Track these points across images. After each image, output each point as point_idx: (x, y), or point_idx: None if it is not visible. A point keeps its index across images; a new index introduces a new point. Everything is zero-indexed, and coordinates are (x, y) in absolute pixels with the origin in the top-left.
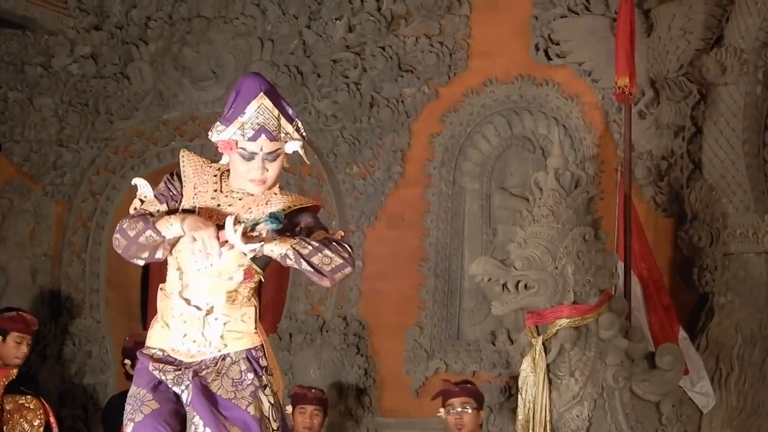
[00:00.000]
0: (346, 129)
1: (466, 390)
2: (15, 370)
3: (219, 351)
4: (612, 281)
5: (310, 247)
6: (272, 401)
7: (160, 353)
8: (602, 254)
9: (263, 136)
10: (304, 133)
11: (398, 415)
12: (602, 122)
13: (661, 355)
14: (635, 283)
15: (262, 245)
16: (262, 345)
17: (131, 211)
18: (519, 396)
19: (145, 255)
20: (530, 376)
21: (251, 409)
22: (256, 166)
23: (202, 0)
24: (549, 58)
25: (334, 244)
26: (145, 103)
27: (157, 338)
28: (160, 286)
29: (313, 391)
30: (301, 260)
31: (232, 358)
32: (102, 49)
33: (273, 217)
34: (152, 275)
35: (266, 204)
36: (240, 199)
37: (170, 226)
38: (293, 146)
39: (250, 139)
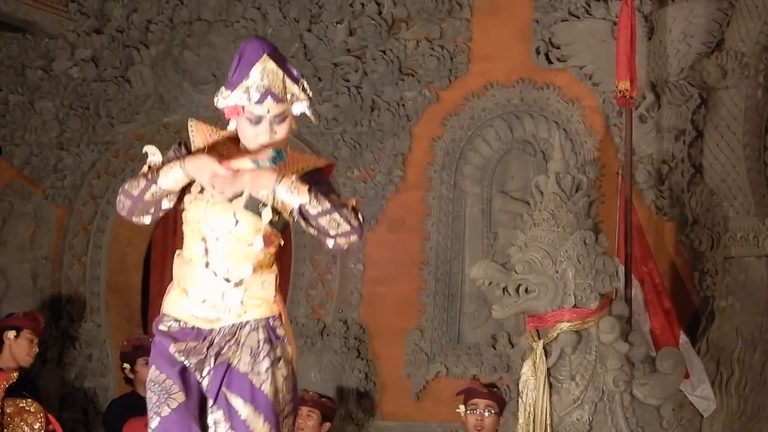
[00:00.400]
0: (347, 132)
1: (493, 393)
2: (15, 374)
3: (238, 317)
4: (613, 285)
5: (320, 208)
6: (285, 374)
7: (177, 326)
8: (603, 258)
9: (269, 98)
10: (310, 94)
11: (399, 419)
12: (603, 126)
13: (662, 359)
14: (636, 287)
15: (277, 182)
16: (280, 314)
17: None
18: (519, 400)
19: (152, 210)
20: (531, 379)
21: (265, 387)
22: (264, 129)
23: (203, 3)
24: (550, 62)
25: (345, 209)
26: (146, 106)
27: (175, 305)
28: (177, 252)
29: (311, 393)
30: (305, 220)
31: (251, 325)
32: (103, 53)
33: (277, 155)
34: (153, 279)
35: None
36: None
37: (170, 173)
38: (300, 107)
39: (256, 103)
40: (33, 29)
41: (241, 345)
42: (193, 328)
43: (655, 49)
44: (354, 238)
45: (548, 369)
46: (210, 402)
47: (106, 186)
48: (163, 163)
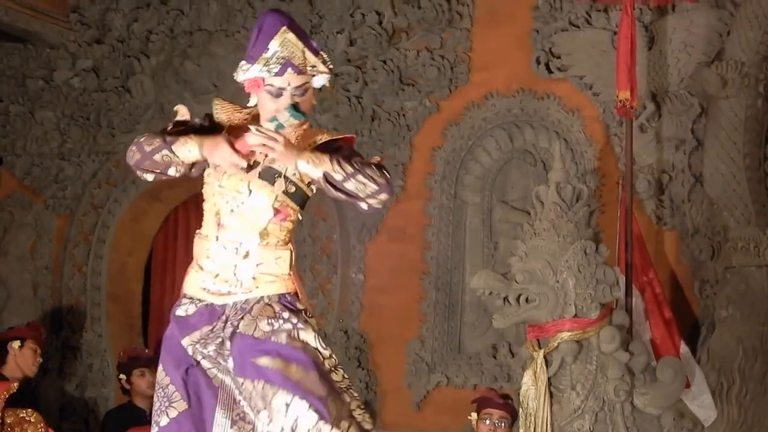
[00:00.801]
0: None
1: (508, 405)
2: (16, 384)
3: (250, 292)
4: (613, 295)
5: (344, 173)
6: (314, 335)
7: (193, 308)
8: (603, 268)
9: (290, 69)
10: (331, 66)
11: (400, 429)
12: (603, 136)
13: (663, 368)
14: (636, 297)
15: (298, 156)
16: (296, 293)
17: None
18: (520, 409)
19: (157, 171)
20: (531, 389)
21: (292, 342)
22: (285, 102)
23: (204, 14)
24: (550, 72)
25: (370, 168)
26: (147, 116)
27: (191, 283)
28: (197, 231)
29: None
30: (331, 187)
31: (264, 300)
32: (103, 63)
33: (294, 109)
34: (153, 288)
35: (299, 139)
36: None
37: (186, 146)
38: (321, 80)
39: (276, 74)
40: (34, 39)
41: (256, 317)
42: (207, 306)
43: (655, 59)
44: (384, 196)
45: (549, 378)
46: (239, 381)
47: (107, 196)
48: (188, 128)
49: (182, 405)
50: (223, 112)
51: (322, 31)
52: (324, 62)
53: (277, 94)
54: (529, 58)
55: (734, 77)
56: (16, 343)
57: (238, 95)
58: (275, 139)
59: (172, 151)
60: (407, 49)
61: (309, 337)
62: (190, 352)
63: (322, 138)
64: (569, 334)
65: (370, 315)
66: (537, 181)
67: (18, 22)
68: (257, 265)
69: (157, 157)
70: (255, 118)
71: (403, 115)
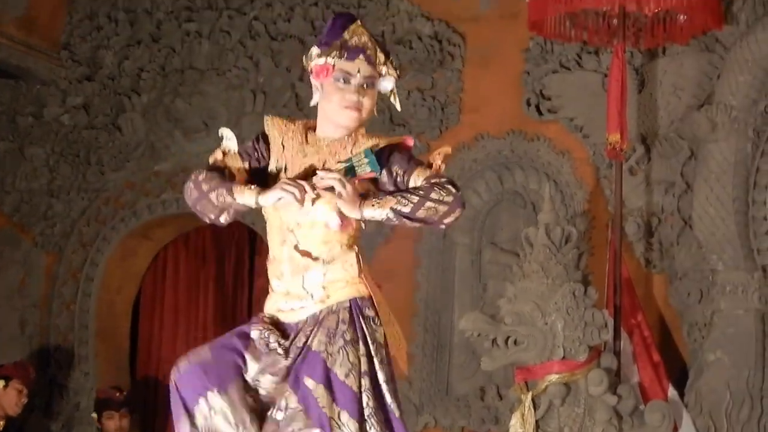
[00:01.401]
0: None
1: None
2: (2, 422)
3: (323, 303)
4: (602, 338)
5: (412, 204)
6: (364, 351)
7: (265, 333)
8: (592, 311)
9: (361, 56)
10: (398, 72)
11: None
12: (593, 178)
13: (651, 411)
14: (625, 340)
15: (360, 207)
16: (370, 295)
17: (210, 161)
18: None
19: (211, 216)
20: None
21: (337, 367)
22: (353, 89)
23: (195, 52)
24: (540, 114)
25: (435, 189)
26: (137, 154)
27: (267, 306)
28: (268, 258)
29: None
30: (405, 219)
31: (333, 308)
32: (94, 100)
33: (368, 156)
34: (142, 325)
35: (354, 145)
36: (327, 146)
37: (244, 196)
38: (388, 83)
39: (347, 59)
40: (25, 76)
41: (320, 326)
42: (282, 326)
43: (645, 102)
44: (458, 212)
45: (537, 421)
46: (284, 387)
47: (96, 233)
48: (239, 152)
49: (208, 355)
50: (274, 127)
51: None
52: (393, 66)
53: (346, 79)
54: (520, 99)
55: (724, 121)
56: (0, 383)
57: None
58: (344, 185)
59: (230, 192)
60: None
61: (353, 358)
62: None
63: (379, 144)
64: (557, 376)
65: None
66: (527, 222)
67: (9, 58)
68: (324, 274)
69: (213, 196)
70: (309, 128)
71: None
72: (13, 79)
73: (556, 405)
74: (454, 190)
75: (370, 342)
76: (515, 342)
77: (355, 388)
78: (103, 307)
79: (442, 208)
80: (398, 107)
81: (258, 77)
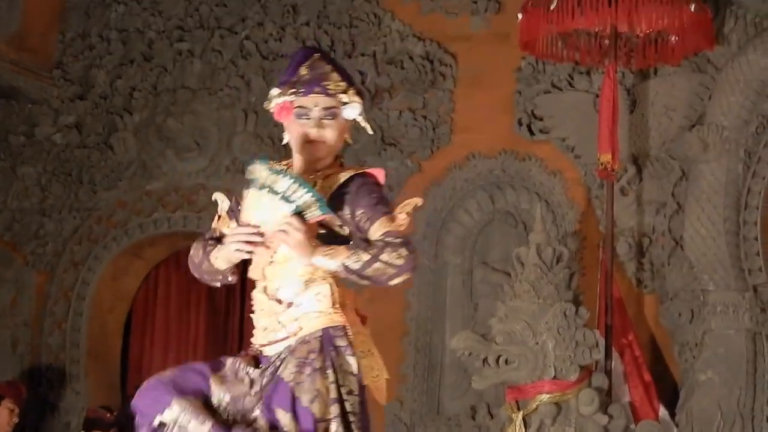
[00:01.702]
0: None
1: None
2: None
3: (296, 334)
4: (593, 357)
5: (362, 262)
6: (333, 379)
7: (243, 358)
8: (583, 330)
9: (317, 89)
10: (362, 98)
11: None
12: (584, 198)
13: (642, 431)
14: (616, 359)
15: (312, 255)
16: (344, 326)
17: (212, 228)
18: None
19: (216, 282)
20: None
21: (303, 395)
22: (312, 123)
23: (187, 71)
24: (532, 134)
25: (388, 251)
26: (129, 173)
27: (253, 340)
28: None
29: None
30: (354, 275)
31: (305, 338)
32: (86, 119)
33: (319, 200)
34: (133, 344)
35: (325, 179)
36: None
37: (218, 259)
38: (351, 111)
39: (303, 94)
40: (17, 95)
41: (291, 356)
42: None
43: (637, 122)
44: (405, 276)
45: None
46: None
47: (88, 253)
48: (227, 212)
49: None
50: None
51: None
52: (355, 91)
53: (305, 114)
54: (512, 119)
55: (715, 141)
56: None
57: (220, 153)
58: (296, 229)
59: (209, 262)
60: (390, 109)
61: (320, 386)
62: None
63: (345, 176)
64: (548, 396)
65: None
66: (518, 242)
67: (2, 78)
68: (297, 307)
69: (204, 266)
70: (289, 167)
71: (385, 175)
72: (4, 99)
73: (546, 424)
74: (406, 253)
75: (338, 371)
76: (506, 361)
77: (318, 414)
78: (95, 326)
79: (390, 271)
80: (369, 131)
81: (249, 96)
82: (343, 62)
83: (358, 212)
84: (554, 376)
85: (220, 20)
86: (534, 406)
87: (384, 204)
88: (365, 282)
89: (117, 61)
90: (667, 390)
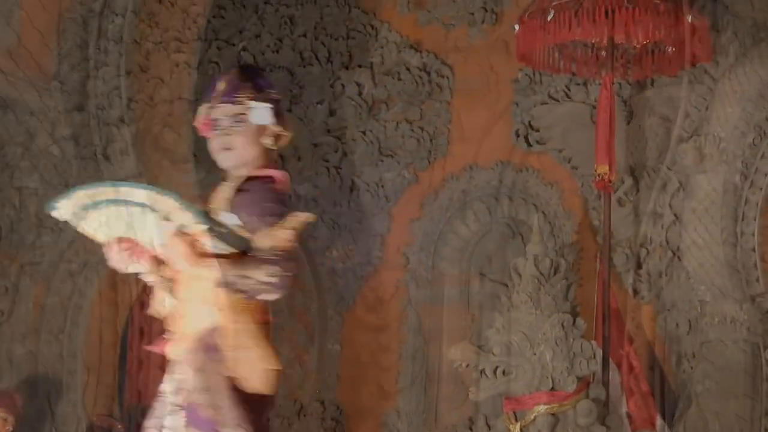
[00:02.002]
0: (326, 213)
1: None
2: None
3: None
4: (590, 369)
5: (236, 276)
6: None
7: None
8: (581, 341)
9: (224, 99)
10: (269, 97)
11: None
12: (582, 209)
13: None
14: (613, 370)
15: (196, 265)
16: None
17: None
18: None
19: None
20: None
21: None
22: (221, 132)
23: (184, 82)
24: (529, 145)
25: (263, 268)
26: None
27: None
28: None
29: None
30: (229, 288)
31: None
32: (83, 130)
33: (197, 215)
34: (130, 356)
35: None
36: (221, 192)
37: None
38: (256, 114)
39: (215, 107)
40: (14, 106)
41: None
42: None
43: (634, 133)
44: (276, 295)
45: None
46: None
47: (85, 263)
48: None
49: None
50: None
51: (302, 101)
52: (264, 97)
53: (215, 126)
54: (509, 130)
55: (712, 152)
56: None
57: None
58: (177, 244)
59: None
60: (387, 121)
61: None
62: None
63: (242, 179)
64: (546, 407)
65: (346, 386)
66: (515, 253)
67: None
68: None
69: None
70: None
71: (382, 186)
72: (1, 110)
73: None
74: (280, 272)
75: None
76: (504, 372)
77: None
78: (92, 337)
79: (260, 287)
80: (286, 134)
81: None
82: (270, 75)
83: (245, 219)
84: (552, 387)
85: (217, 32)
86: (531, 417)
87: (273, 214)
88: (239, 294)
89: (114, 72)
90: (665, 401)
